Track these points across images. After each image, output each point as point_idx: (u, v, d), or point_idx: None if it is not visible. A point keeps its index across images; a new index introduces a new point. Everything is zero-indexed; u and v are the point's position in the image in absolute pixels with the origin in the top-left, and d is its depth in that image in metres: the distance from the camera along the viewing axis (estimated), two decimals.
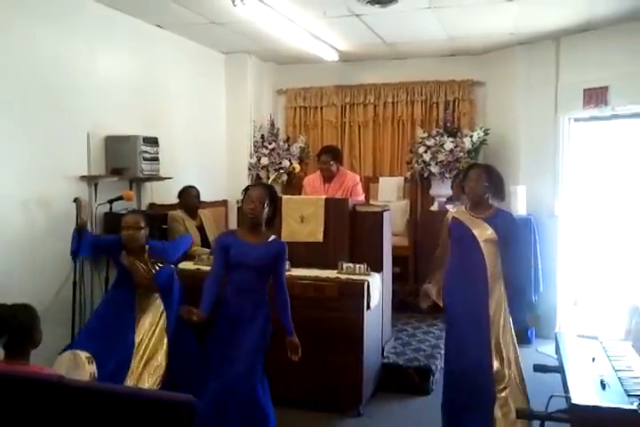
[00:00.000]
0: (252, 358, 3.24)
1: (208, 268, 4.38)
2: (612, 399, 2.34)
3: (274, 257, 3.31)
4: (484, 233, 3.44)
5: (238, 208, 4.89)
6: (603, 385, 2.46)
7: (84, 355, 3.13)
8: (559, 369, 2.91)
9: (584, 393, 2.41)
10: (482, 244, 3.43)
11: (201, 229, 5.15)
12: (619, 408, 2.26)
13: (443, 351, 4.88)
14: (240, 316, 3.28)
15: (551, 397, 2.55)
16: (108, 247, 3.89)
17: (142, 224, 3.79)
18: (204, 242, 5.12)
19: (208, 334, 3.36)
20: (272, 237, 3.38)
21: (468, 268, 3.48)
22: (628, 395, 2.39)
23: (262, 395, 3.27)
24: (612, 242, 5.49)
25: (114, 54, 4.92)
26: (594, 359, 2.83)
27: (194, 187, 5.21)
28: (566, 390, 2.53)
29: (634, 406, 2.25)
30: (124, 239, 3.75)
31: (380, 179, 6.62)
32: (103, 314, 3.81)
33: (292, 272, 4.19)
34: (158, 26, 5.35)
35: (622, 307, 4.33)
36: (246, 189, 3.41)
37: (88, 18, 4.59)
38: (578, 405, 2.31)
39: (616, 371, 2.68)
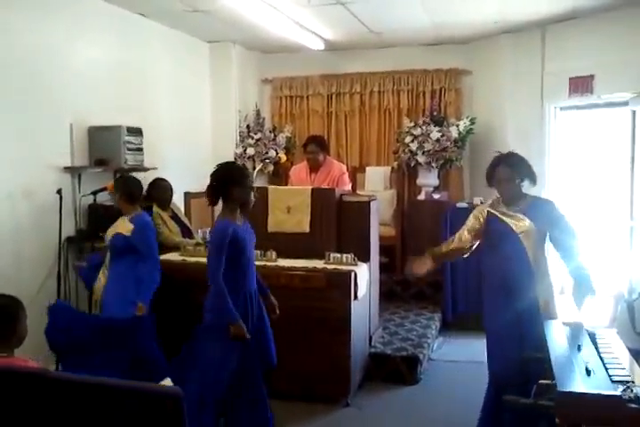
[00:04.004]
0: None
1: (194, 259, 4.37)
2: (596, 386, 2.35)
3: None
4: (521, 225, 3.27)
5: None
6: (588, 372, 2.47)
7: None
8: (545, 357, 2.93)
9: (569, 380, 2.42)
10: (520, 236, 3.25)
11: (174, 218, 5.12)
12: (603, 395, 2.27)
13: (430, 340, 4.91)
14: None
15: (537, 384, 2.56)
16: None
17: None
18: (185, 232, 5.08)
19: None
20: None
21: (509, 265, 3.30)
22: (613, 381, 2.40)
23: None
24: (598, 230, 5.52)
25: (97, 44, 4.85)
26: (579, 347, 2.84)
27: (166, 180, 5.18)
28: (552, 377, 2.55)
29: (618, 393, 2.27)
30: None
31: (367, 168, 6.61)
32: None
33: (278, 263, 4.18)
34: (141, 14, 5.28)
35: (608, 295, 4.36)
36: (244, 178, 3.22)
37: (70, 6, 4.52)
38: (563, 392, 2.32)
39: (601, 358, 2.69)
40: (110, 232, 3.78)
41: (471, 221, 3.46)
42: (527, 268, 3.27)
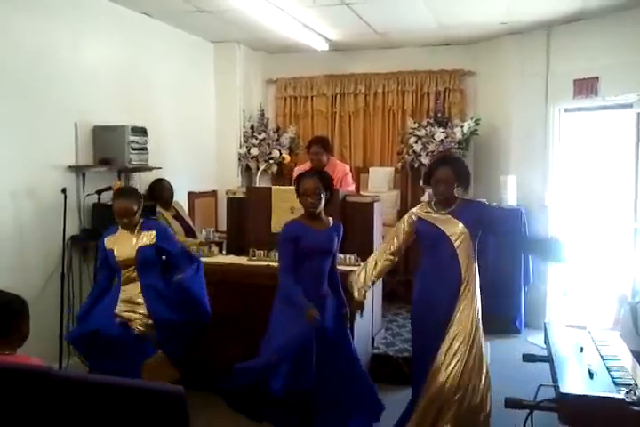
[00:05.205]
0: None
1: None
2: (599, 388, 2.35)
3: (337, 239, 3.37)
4: (454, 229, 3.27)
5: (229, 199, 4.90)
6: (591, 374, 2.47)
7: None
8: (548, 359, 2.93)
9: (572, 382, 2.42)
10: (454, 241, 3.25)
11: (178, 218, 5.13)
12: (606, 397, 2.28)
13: None
14: (323, 302, 3.29)
15: (540, 386, 2.56)
16: None
17: None
18: (187, 231, 5.09)
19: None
20: (331, 220, 3.39)
21: (440, 269, 3.31)
22: (616, 384, 2.40)
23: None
24: (602, 232, 5.51)
25: (101, 43, 4.86)
26: (582, 349, 2.84)
27: (166, 180, 5.20)
28: (555, 379, 2.55)
29: (621, 395, 2.27)
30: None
31: (371, 169, 6.60)
32: None
33: None
34: (145, 14, 5.28)
35: (611, 297, 4.36)
36: (298, 180, 3.34)
37: (75, 6, 4.52)
38: (566, 394, 2.32)
39: (604, 360, 2.70)
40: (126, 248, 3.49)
41: (401, 226, 3.45)
42: (457, 273, 3.25)
